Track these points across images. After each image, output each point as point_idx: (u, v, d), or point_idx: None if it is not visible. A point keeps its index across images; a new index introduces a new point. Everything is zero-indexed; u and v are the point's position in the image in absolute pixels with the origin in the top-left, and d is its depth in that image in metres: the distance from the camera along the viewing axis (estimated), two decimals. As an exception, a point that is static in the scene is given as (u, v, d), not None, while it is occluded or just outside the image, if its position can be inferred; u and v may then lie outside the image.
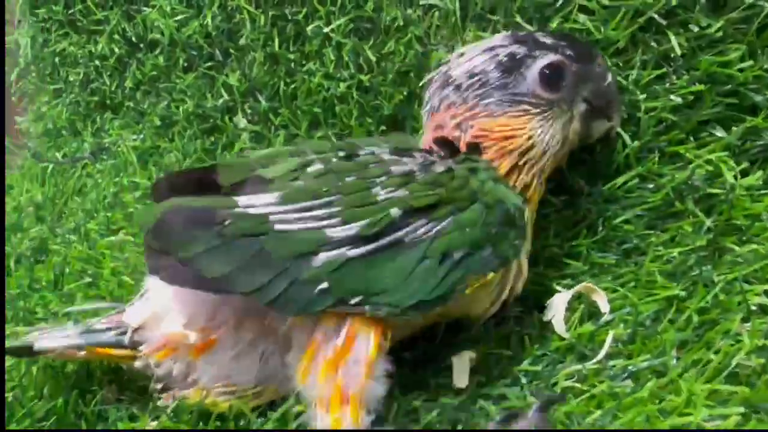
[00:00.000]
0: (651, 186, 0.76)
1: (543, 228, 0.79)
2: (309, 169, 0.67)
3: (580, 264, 0.77)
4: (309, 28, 0.95)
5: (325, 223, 0.62)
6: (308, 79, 0.97)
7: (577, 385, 0.63)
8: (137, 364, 0.68)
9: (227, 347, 0.65)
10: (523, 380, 0.66)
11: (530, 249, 0.73)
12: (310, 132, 0.99)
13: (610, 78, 0.73)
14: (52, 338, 0.69)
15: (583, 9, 0.77)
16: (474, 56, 0.72)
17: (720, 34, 0.71)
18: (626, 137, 0.76)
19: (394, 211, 0.62)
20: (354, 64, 0.93)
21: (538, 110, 0.70)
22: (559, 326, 0.71)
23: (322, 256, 0.60)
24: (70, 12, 1.22)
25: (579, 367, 0.65)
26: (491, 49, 0.71)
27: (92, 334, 0.69)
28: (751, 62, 0.71)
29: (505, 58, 0.70)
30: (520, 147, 0.69)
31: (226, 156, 1.06)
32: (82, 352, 0.69)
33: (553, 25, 0.77)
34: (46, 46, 1.29)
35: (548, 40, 0.71)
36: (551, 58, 0.70)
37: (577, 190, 0.79)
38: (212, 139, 1.09)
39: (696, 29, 0.72)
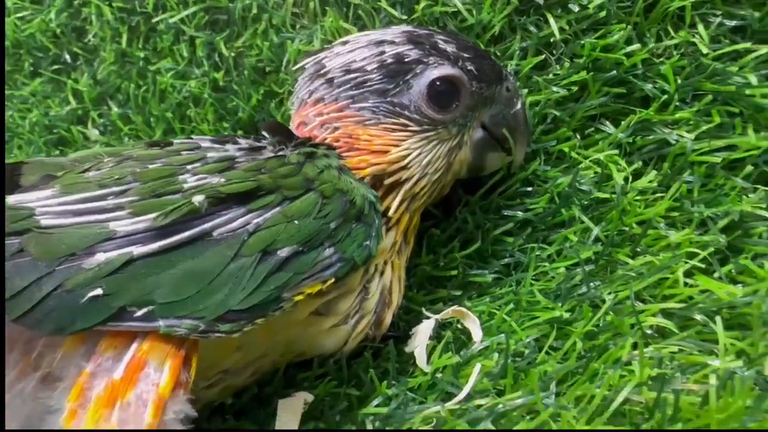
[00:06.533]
0: (534, 192, 0.65)
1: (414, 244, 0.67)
2: (107, 158, 0.54)
3: (453, 284, 0.64)
4: (158, 18, 0.83)
5: (110, 215, 0.48)
6: (159, 79, 0.84)
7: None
8: None
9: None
10: (370, 426, 0.52)
11: (404, 279, 0.61)
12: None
13: (519, 105, 0.61)
14: None
15: (453, -11, 0.67)
16: (357, 48, 0.59)
17: (603, 14, 0.62)
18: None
19: (198, 199, 0.48)
20: (208, 61, 0.80)
21: (419, 128, 0.58)
22: (420, 358, 0.58)
23: (100, 256, 0.46)
24: None
25: (437, 408, 0.51)
26: (379, 43, 0.59)
27: None
28: (638, 45, 0.61)
29: (391, 59, 0.58)
30: (391, 165, 0.57)
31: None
32: None
33: (420, 7, 0.67)
34: None
35: (450, 48, 0.58)
36: (446, 70, 0.58)
37: (453, 200, 0.68)
38: (58, 152, 0.95)
39: (576, 8, 0.63)
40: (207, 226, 0.48)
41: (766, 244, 0.56)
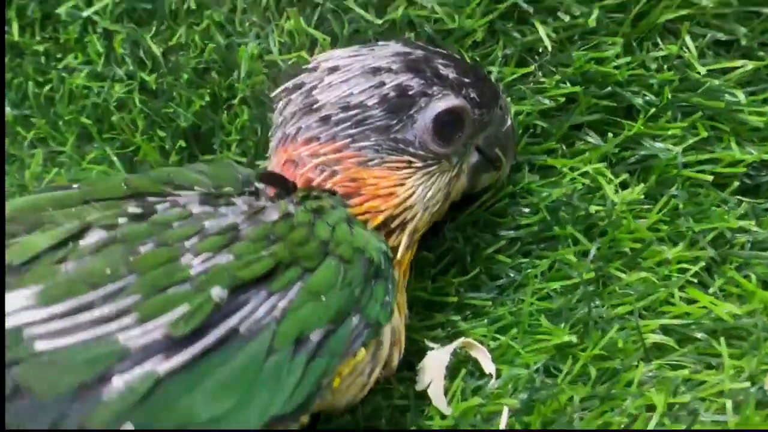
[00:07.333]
0: (523, 206, 0.64)
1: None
2: (83, 242, 0.45)
3: (450, 309, 0.63)
4: (61, 11, 0.69)
5: (114, 325, 0.41)
6: (67, 78, 0.71)
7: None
8: None
9: None
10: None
11: (407, 315, 0.59)
12: (80, 148, 0.74)
13: (509, 121, 0.59)
14: None
15: (430, -10, 0.61)
16: (351, 77, 0.53)
17: (594, 24, 0.59)
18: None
19: (217, 293, 0.43)
20: (132, 60, 0.69)
21: (422, 164, 0.54)
22: (437, 399, 0.57)
23: (118, 382, 0.39)
24: None
25: (474, 459, 0.51)
26: (375, 71, 0.53)
27: None
28: (628, 59, 0.60)
29: (393, 93, 0.53)
30: (398, 207, 0.54)
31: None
32: None
33: (399, 13, 0.60)
34: None
35: (451, 73, 0.54)
36: (452, 102, 0.54)
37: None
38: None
39: (567, 18, 0.60)
40: (233, 322, 0.42)
41: (749, 256, 0.59)
